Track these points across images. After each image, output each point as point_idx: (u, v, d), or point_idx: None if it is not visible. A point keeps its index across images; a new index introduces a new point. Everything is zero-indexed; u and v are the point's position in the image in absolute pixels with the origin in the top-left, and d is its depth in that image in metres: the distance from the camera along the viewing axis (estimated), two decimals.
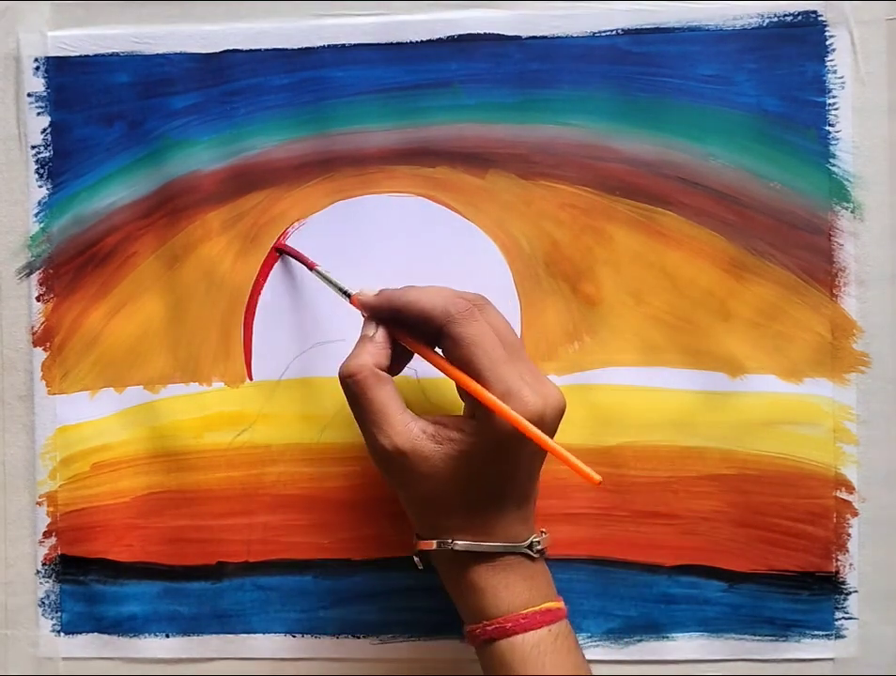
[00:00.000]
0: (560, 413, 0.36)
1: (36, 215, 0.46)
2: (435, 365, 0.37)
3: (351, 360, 0.37)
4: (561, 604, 0.38)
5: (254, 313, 0.45)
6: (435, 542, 0.38)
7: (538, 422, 0.35)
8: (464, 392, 0.37)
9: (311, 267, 0.43)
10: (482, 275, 0.45)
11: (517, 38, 0.44)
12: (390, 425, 0.36)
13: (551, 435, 0.36)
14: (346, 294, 0.41)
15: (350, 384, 0.37)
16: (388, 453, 0.36)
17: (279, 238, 0.45)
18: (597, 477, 0.34)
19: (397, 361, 0.39)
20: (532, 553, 0.38)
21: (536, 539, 0.38)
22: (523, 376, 0.35)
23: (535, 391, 0.35)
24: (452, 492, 0.36)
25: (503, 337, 0.36)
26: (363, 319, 0.39)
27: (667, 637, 0.45)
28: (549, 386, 0.36)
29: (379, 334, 0.38)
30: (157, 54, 0.45)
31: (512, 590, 0.37)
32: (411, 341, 0.38)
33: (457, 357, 0.36)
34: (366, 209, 0.45)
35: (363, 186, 0.45)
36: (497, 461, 0.36)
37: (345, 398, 0.45)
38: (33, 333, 0.46)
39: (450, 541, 0.37)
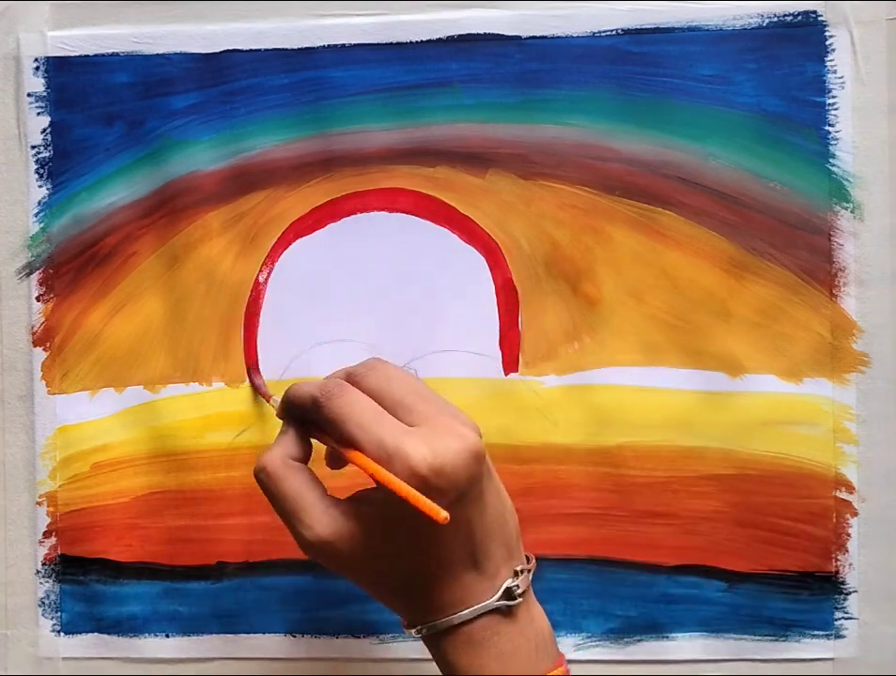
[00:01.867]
0: (469, 458, 0.32)
1: (36, 215, 0.46)
2: (330, 448, 0.35)
3: (260, 456, 0.35)
4: (554, 671, 0.34)
5: (253, 313, 0.45)
6: (409, 628, 0.35)
7: (431, 475, 0.31)
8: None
9: (268, 399, 0.44)
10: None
11: (517, 38, 0.44)
12: (308, 514, 0.33)
13: (466, 481, 0.32)
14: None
15: (262, 479, 0.34)
16: (313, 544, 0.33)
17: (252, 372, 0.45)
18: (443, 513, 0.30)
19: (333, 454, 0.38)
20: (504, 606, 0.34)
21: (513, 584, 0.34)
22: (413, 428, 0.32)
23: (425, 440, 0.32)
24: (386, 567, 0.34)
25: (386, 397, 0.34)
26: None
27: (667, 637, 0.44)
28: (452, 431, 0.32)
29: (290, 430, 0.36)
30: (157, 54, 0.45)
31: (485, 671, 0.33)
32: (316, 433, 0.36)
33: (337, 437, 0.33)
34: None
35: (362, 186, 0.45)
36: (414, 521, 0.31)
37: None
38: (33, 333, 0.46)
39: (411, 631, 0.35)
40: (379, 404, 0.33)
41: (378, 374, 0.35)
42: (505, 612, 0.34)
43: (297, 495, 0.34)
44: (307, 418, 0.35)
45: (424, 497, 0.30)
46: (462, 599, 0.34)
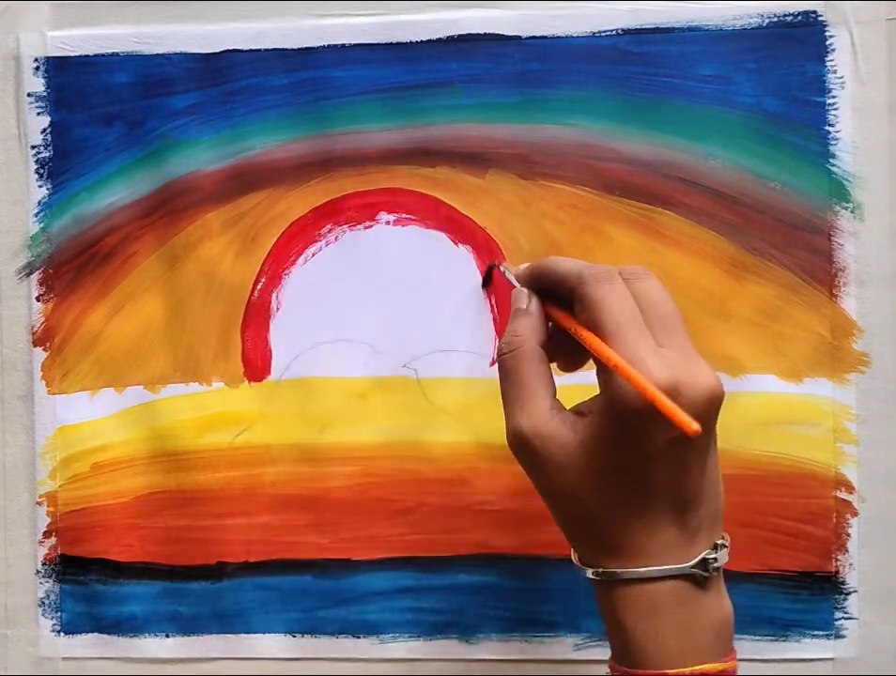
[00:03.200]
0: (708, 401, 0.30)
1: (36, 215, 0.46)
2: (567, 328, 0.33)
3: (512, 334, 0.34)
4: (726, 663, 0.32)
5: (253, 313, 0.45)
6: (584, 566, 0.33)
7: (670, 396, 0.29)
8: (600, 370, 0.32)
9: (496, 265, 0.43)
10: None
11: (517, 38, 0.44)
12: (534, 406, 0.32)
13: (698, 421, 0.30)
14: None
15: (508, 358, 0.33)
16: (524, 435, 0.32)
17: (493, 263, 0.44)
18: (696, 425, 0.28)
19: (559, 349, 0.35)
20: (699, 575, 0.32)
21: (711, 556, 0.32)
22: (663, 349, 0.31)
23: (671, 365, 0.30)
24: (587, 489, 0.32)
25: (650, 308, 0.32)
26: (513, 291, 0.36)
27: None
28: (699, 369, 0.31)
29: (533, 305, 0.35)
30: (157, 54, 0.45)
31: (661, 641, 0.31)
32: (551, 306, 0.35)
33: (585, 320, 0.32)
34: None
35: (362, 186, 0.45)
36: (631, 445, 0.31)
37: (346, 398, 0.45)
38: (33, 333, 0.46)
39: (587, 569, 0.33)
40: (640, 311, 0.32)
41: (650, 283, 0.33)
42: (697, 582, 0.32)
43: (534, 383, 0.33)
44: (554, 292, 0.34)
45: (673, 404, 0.29)
46: (656, 553, 0.32)
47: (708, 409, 0.31)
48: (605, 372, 0.31)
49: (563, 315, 0.34)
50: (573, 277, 0.33)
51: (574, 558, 0.34)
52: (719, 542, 0.33)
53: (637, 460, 0.31)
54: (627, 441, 0.31)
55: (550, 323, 0.35)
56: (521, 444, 0.33)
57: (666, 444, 0.31)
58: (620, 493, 0.32)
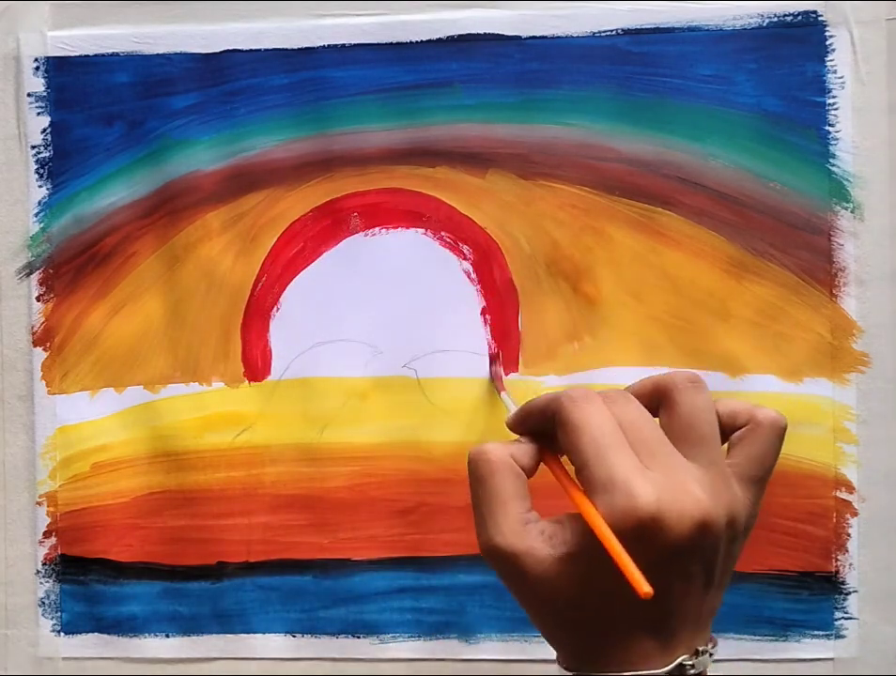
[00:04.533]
0: (696, 529, 0.29)
1: (36, 215, 0.46)
2: (562, 486, 0.33)
3: (489, 443, 0.32)
4: None
5: (253, 313, 0.45)
6: (566, 669, 0.32)
7: (648, 522, 0.28)
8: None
9: (499, 391, 0.43)
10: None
11: (517, 38, 0.44)
12: (506, 521, 0.31)
13: (682, 548, 0.29)
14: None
15: (480, 463, 0.32)
16: (499, 550, 0.31)
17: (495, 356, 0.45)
18: (647, 588, 0.28)
19: None
20: None
21: (688, 662, 0.31)
22: (649, 471, 0.29)
23: (657, 488, 0.29)
24: (562, 600, 0.31)
25: (633, 429, 0.31)
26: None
27: None
28: (687, 494, 0.29)
29: (525, 439, 0.33)
30: (157, 54, 0.45)
31: None
32: (548, 458, 0.33)
33: (565, 446, 0.31)
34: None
35: (362, 186, 0.45)
36: (609, 567, 0.29)
37: (346, 398, 0.45)
38: (33, 333, 0.46)
39: (568, 673, 0.32)
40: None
41: (630, 405, 0.32)
42: None
43: (505, 497, 0.31)
44: (542, 431, 0.33)
45: (632, 563, 0.28)
46: (628, 660, 0.31)
47: (692, 533, 0.29)
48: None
49: (551, 463, 0.33)
50: (552, 404, 0.32)
51: (558, 659, 0.34)
52: (700, 648, 0.31)
53: (615, 580, 0.30)
54: (606, 564, 0.29)
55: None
56: (495, 558, 0.32)
57: (645, 568, 0.29)
58: (595, 606, 0.31)
